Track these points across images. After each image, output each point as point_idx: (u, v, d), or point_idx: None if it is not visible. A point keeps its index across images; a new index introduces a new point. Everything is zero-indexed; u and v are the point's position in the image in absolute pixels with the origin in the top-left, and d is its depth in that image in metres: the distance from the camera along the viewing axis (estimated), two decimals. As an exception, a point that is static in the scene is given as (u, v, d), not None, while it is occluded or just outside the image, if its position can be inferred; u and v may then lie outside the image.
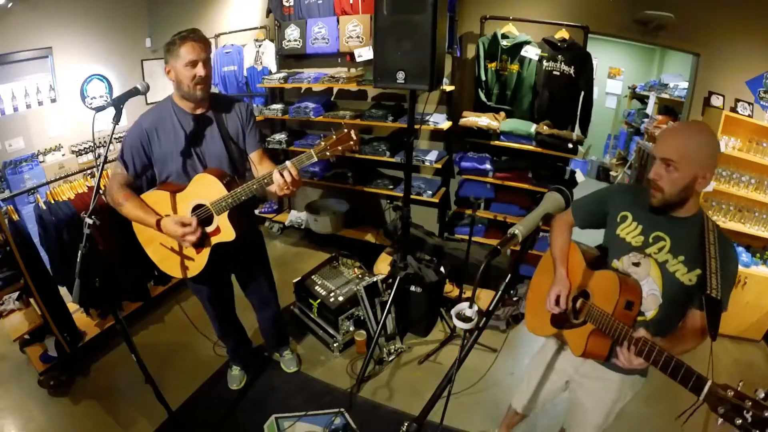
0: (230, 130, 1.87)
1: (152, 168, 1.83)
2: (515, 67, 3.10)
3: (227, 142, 1.86)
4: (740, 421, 0.89)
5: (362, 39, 3.37)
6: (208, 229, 1.79)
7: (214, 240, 1.81)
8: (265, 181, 1.67)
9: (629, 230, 1.37)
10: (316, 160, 1.63)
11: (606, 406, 1.52)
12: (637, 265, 1.34)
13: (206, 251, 1.82)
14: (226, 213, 1.74)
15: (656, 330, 1.29)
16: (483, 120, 3.08)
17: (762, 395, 0.89)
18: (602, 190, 1.52)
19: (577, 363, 1.56)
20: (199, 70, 1.68)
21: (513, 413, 1.88)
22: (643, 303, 1.32)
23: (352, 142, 1.61)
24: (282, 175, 1.62)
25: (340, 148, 1.62)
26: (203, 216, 1.77)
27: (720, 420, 0.93)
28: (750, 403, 0.88)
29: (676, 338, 1.24)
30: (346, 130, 1.61)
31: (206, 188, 1.75)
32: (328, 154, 1.62)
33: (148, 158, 1.79)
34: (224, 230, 1.77)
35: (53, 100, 3.26)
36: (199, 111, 1.81)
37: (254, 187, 1.68)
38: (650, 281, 1.31)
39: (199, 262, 1.84)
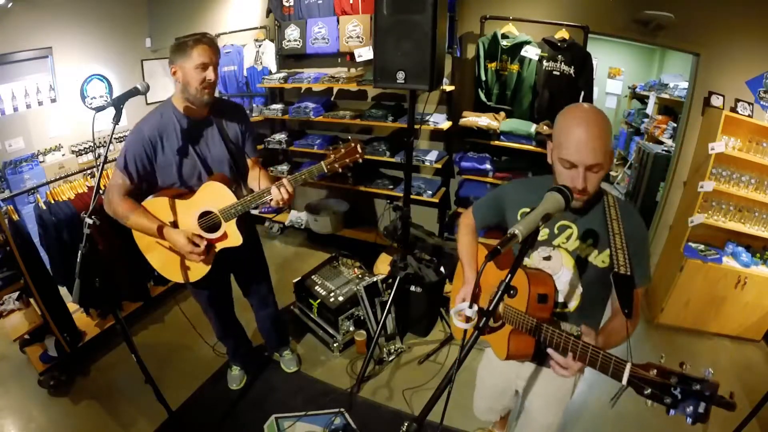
0: (230, 134, 1.88)
1: (154, 175, 1.79)
2: (515, 67, 3.09)
3: (229, 146, 1.86)
4: (669, 399, 0.84)
5: (362, 39, 3.37)
6: (214, 236, 1.79)
7: (220, 246, 1.82)
8: (266, 194, 1.73)
9: None
10: (326, 172, 1.75)
11: (554, 405, 1.50)
12: (548, 259, 1.30)
13: (210, 257, 1.83)
14: (234, 220, 1.75)
15: (582, 320, 1.27)
16: (483, 120, 3.08)
17: (687, 368, 0.84)
18: (498, 188, 1.49)
19: (516, 366, 1.51)
20: (210, 74, 1.68)
21: (497, 419, 1.86)
22: (564, 295, 1.29)
23: (357, 155, 1.75)
24: (279, 191, 1.70)
25: (347, 160, 1.75)
26: (210, 223, 1.79)
27: (649, 402, 0.87)
28: (676, 379, 0.83)
29: (607, 330, 1.19)
30: (353, 144, 1.74)
31: (215, 196, 1.76)
32: (336, 166, 1.74)
33: (151, 165, 1.76)
34: (231, 236, 1.80)
35: (53, 100, 3.26)
36: (200, 115, 1.80)
37: (258, 198, 1.74)
38: (565, 272, 1.27)
39: (204, 266, 1.84)
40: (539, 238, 1.29)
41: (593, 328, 1.18)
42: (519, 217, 1.34)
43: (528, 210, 1.32)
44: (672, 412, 0.84)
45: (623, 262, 1.14)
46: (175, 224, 1.80)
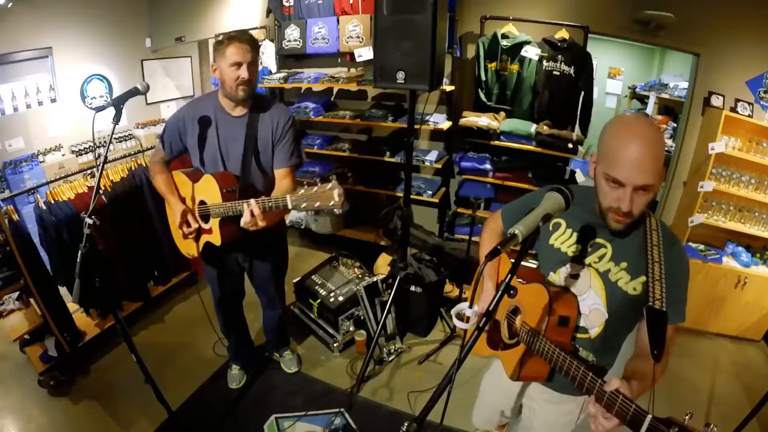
0: (259, 138, 1.85)
1: (186, 152, 1.93)
2: (515, 67, 3.09)
3: (248, 149, 1.84)
4: None
5: (362, 39, 3.36)
6: (205, 227, 1.85)
7: (204, 238, 1.88)
8: (238, 208, 1.63)
9: (563, 239, 1.22)
10: (290, 208, 1.51)
11: (559, 430, 1.39)
12: (575, 277, 1.19)
13: (200, 244, 1.91)
14: (218, 219, 1.77)
15: (601, 349, 1.20)
16: (483, 120, 3.08)
17: (713, 429, 0.79)
18: (533, 193, 1.36)
19: (524, 385, 1.43)
20: (243, 72, 1.71)
21: (495, 428, 1.80)
22: (587, 320, 1.18)
23: (332, 203, 1.39)
24: (250, 211, 1.58)
25: (316, 204, 1.42)
26: (204, 213, 1.84)
27: None
28: None
29: (640, 373, 1.04)
30: (329, 186, 1.41)
31: (209, 190, 1.80)
32: (303, 205, 1.45)
33: (183, 143, 1.90)
34: (214, 233, 1.83)
35: (53, 100, 3.26)
36: (237, 112, 1.84)
37: (236, 208, 1.65)
38: (593, 294, 1.16)
39: (193, 247, 1.96)
40: (570, 254, 1.21)
41: (611, 360, 1.10)
42: (551, 228, 1.26)
43: (561, 221, 1.24)
44: None
45: (659, 295, 1.02)
46: (184, 200, 1.90)
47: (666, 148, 4.25)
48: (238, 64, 1.70)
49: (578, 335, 1.20)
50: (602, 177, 1.06)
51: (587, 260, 1.18)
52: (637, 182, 0.99)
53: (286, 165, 1.89)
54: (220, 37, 1.72)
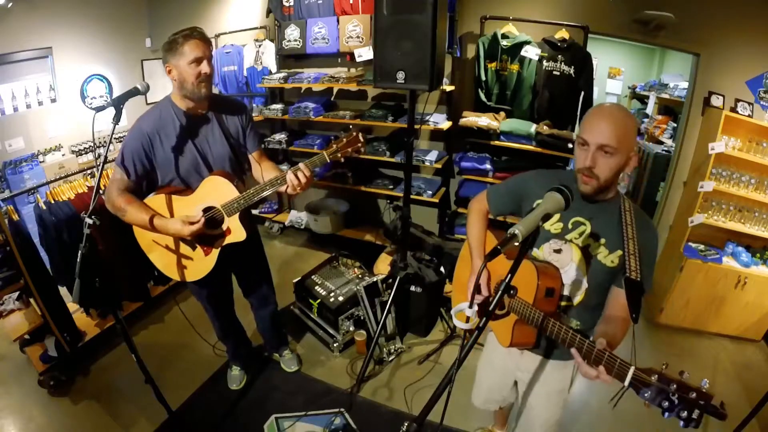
0: (231, 130, 1.87)
1: (154, 172, 1.79)
2: (515, 67, 3.09)
3: (230, 142, 1.86)
4: (667, 403, 0.89)
5: (362, 39, 3.37)
6: (217, 232, 1.79)
7: (227, 241, 1.81)
8: (279, 182, 1.71)
9: None
10: (329, 161, 1.72)
11: (554, 399, 1.52)
12: (558, 252, 1.33)
13: (215, 253, 1.82)
14: (237, 214, 1.75)
15: (584, 314, 1.33)
16: (483, 120, 3.08)
17: (687, 375, 0.90)
18: (517, 176, 1.49)
19: (516, 356, 1.54)
20: (204, 67, 1.68)
21: (498, 408, 1.88)
22: (569, 289, 1.32)
23: (359, 144, 1.73)
24: (297, 176, 1.69)
25: (349, 149, 1.73)
26: (215, 217, 1.78)
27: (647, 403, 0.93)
28: (675, 386, 0.88)
29: (614, 329, 1.19)
30: (354, 133, 1.73)
31: (217, 190, 1.75)
32: (339, 155, 1.72)
33: (150, 162, 1.76)
34: (235, 231, 1.78)
35: (53, 100, 3.26)
36: (199, 111, 1.80)
37: (267, 188, 1.71)
38: (573, 267, 1.30)
39: (207, 263, 1.84)
40: (553, 231, 1.33)
41: (593, 324, 1.21)
42: (535, 207, 1.33)
43: None
44: (667, 415, 0.90)
45: (635, 267, 1.16)
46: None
47: (666, 148, 4.25)
48: (198, 60, 1.66)
49: (562, 303, 1.34)
50: (577, 145, 1.23)
51: (569, 237, 1.32)
52: (599, 141, 1.16)
53: (260, 147, 2.00)
54: (173, 37, 1.66)
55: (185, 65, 1.65)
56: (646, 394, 0.92)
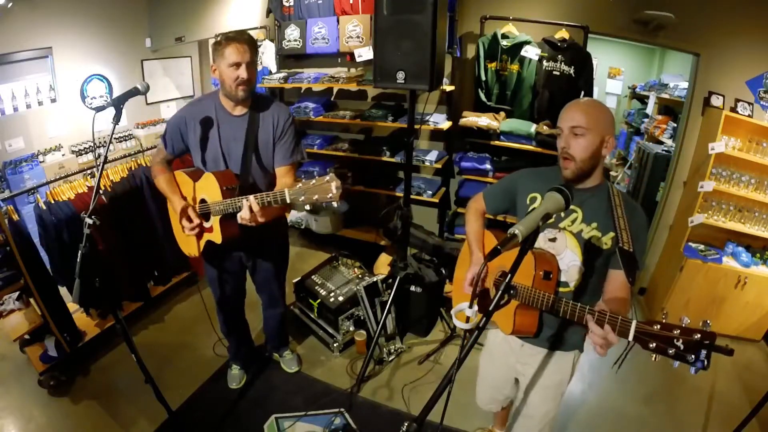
0: (260, 137, 1.86)
1: (188, 152, 1.94)
2: (515, 67, 3.09)
3: (248, 148, 1.85)
4: (673, 350, 0.91)
5: (362, 39, 3.36)
6: (206, 225, 1.86)
7: (206, 237, 1.88)
8: (239, 205, 1.62)
9: None
10: (288, 202, 1.46)
11: (552, 392, 1.55)
12: (553, 240, 1.39)
13: (201, 243, 1.92)
14: (218, 217, 1.78)
15: (581, 299, 1.36)
16: (483, 120, 3.08)
17: (687, 321, 0.92)
18: (510, 175, 1.58)
19: (516, 349, 1.58)
20: (242, 72, 1.72)
21: (500, 410, 1.90)
22: (566, 274, 1.37)
23: (330, 195, 1.37)
24: (249, 209, 1.56)
25: (315, 197, 1.39)
26: (205, 211, 1.84)
27: (654, 355, 0.95)
28: (678, 331, 0.90)
29: (616, 307, 1.18)
30: (327, 179, 1.38)
31: (209, 188, 1.81)
32: (301, 199, 1.42)
33: (184, 143, 1.91)
34: (214, 231, 1.84)
35: (53, 100, 3.26)
36: (237, 111, 1.85)
37: (236, 205, 1.66)
38: (569, 253, 1.36)
39: (193, 248, 1.96)
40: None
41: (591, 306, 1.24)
42: (528, 201, 1.44)
43: (537, 195, 1.43)
44: (676, 363, 0.93)
45: (627, 239, 1.22)
46: (186, 199, 1.91)
47: (666, 148, 4.25)
48: (237, 65, 1.71)
49: (560, 289, 1.39)
50: (557, 136, 1.35)
51: (562, 225, 1.38)
52: (569, 124, 1.30)
53: (287, 163, 1.90)
54: (219, 38, 1.73)
55: (225, 67, 1.72)
56: (651, 345, 0.93)
